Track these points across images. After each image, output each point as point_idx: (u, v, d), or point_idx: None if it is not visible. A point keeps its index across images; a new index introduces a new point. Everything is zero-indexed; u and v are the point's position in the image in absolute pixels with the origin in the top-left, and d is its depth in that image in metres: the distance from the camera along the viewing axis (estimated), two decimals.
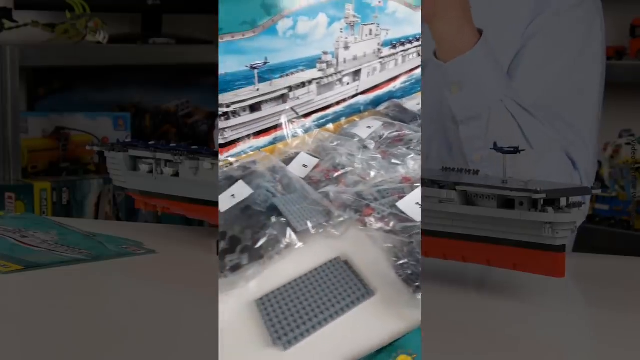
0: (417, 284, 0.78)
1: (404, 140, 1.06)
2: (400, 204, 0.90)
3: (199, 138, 2.96)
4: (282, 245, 0.82)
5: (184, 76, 2.96)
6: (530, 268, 1.09)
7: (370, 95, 1.19)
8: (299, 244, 0.81)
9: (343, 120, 1.15)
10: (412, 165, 1.01)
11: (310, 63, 1.06)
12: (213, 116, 2.93)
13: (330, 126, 1.14)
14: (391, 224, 0.86)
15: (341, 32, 1.08)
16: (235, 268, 0.79)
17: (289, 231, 0.83)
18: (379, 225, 0.86)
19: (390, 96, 1.23)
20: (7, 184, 2.41)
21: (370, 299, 0.76)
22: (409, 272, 0.79)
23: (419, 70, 1.26)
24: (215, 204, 1.25)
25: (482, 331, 1.02)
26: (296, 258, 0.80)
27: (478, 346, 0.98)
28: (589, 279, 1.22)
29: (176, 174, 1.35)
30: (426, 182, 1.13)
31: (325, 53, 1.07)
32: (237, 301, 0.76)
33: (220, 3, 0.88)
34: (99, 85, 2.95)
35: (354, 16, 1.08)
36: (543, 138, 1.41)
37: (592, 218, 2.46)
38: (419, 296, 0.78)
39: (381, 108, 1.19)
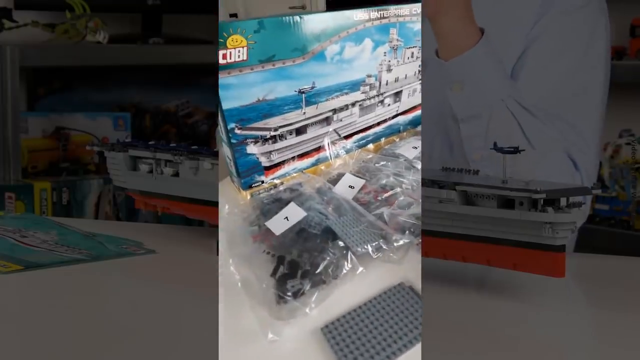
0: None
1: None
2: None
3: (199, 138, 2.96)
4: (344, 270, 0.79)
5: (184, 76, 2.96)
6: (530, 268, 1.09)
7: (410, 116, 1.22)
8: (361, 269, 0.79)
9: (383, 140, 1.17)
10: None
11: (354, 86, 1.06)
12: (213, 116, 2.93)
13: (371, 146, 1.15)
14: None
15: (385, 55, 1.09)
16: (298, 294, 0.75)
17: (349, 255, 0.80)
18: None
19: None
20: (7, 184, 2.41)
21: None
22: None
23: None
24: (215, 204, 1.25)
25: (482, 331, 1.02)
26: (359, 283, 0.77)
27: (478, 346, 0.98)
28: (589, 279, 1.22)
29: (176, 174, 1.35)
30: (426, 182, 1.13)
31: (369, 76, 1.08)
32: (301, 329, 0.71)
33: (268, 26, 0.87)
34: (99, 85, 2.95)
35: (398, 40, 1.09)
36: (544, 138, 1.41)
37: (592, 218, 2.46)
38: None
39: (420, 127, 1.22)
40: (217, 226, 1.22)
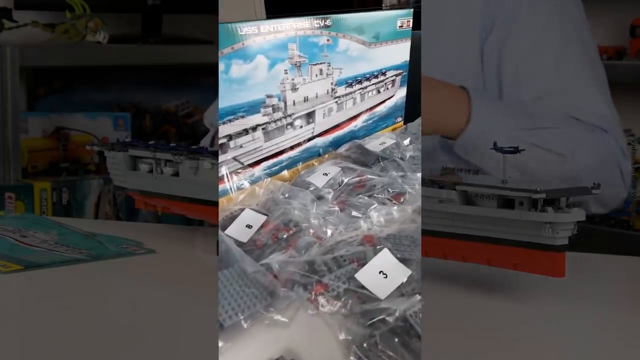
0: None
1: (366, 186, 0.94)
2: (360, 275, 0.71)
3: (199, 138, 2.95)
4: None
5: (184, 76, 2.96)
6: (530, 268, 1.09)
7: (330, 137, 1.12)
8: (224, 344, 0.61)
9: (300, 165, 1.07)
10: (376, 217, 0.86)
11: (252, 108, 0.97)
12: None
13: (285, 173, 1.05)
14: (348, 304, 0.67)
15: (286, 73, 0.98)
16: None
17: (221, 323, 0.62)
18: (334, 307, 0.65)
19: (352, 136, 1.17)
20: (7, 184, 2.41)
21: None
22: None
23: (380, 108, 1.20)
24: (215, 203, 1.25)
25: (481, 331, 1.02)
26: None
27: (478, 346, 0.98)
28: (589, 279, 1.22)
29: (176, 174, 1.35)
30: (426, 182, 1.13)
31: (269, 96, 0.98)
32: None
33: None
34: (99, 85, 2.95)
35: (300, 56, 0.99)
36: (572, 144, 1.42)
37: (592, 218, 2.46)
38: None
39: (342, 150, 1.12)
40: (217, 226, 1.22)
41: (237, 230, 0.86)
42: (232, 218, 0.89)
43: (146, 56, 2.70)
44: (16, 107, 2.43)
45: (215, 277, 1.08)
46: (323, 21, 0.97)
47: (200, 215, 1.36)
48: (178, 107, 3.02)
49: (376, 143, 1.14)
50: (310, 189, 0.95)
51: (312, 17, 0.95)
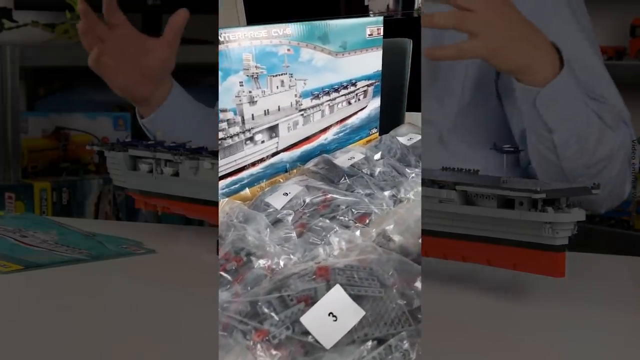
0: None
1: (330, 206, 0.88)
2: (305, 319, 0.62)
3: None
4: None
5: (184, 76, 2.96)
6: (530, 268, 1.09)
7: (297, 151, 1.06)
8: None
9: (264, 182, 1.02)
10: (336, 243, 0.75)
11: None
12: None
13: (247, 192, 1.00)
14: (289, 355, 0.59)
15: (241, 85, 0.93)
16: None
17: None
18: (272, 358, 0.58)
19: (322, 150, 1.12)
20: (7, 184, 2.41)
21: None
22: None
23: (352, 119, 1.15)
24: (215, 203, 1.25)
25: (481, 331, 1.02)
26: None
27: (478, 346, 0.98)
28: (589, 279, 1.22)
29: (176, 174, 1.35)
30: (426, 182, 1.13)
31: (223, 111, 0.93)
32: None
33: None
34: (99, 85, 2.93)
35: (256, 67, 0.93)
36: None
37: (592, 218, 2.46)
38: None
39: (310, 165, 1.06)
40: (217, 226, 1.22)
41: None
42: None
43: None
44: (16, 107, 2.43)
45: (215, 277, 1.09)
46: (282, 30, 0.91)
47: (200, 215, 1.36)
48: None
49: (345, 158, 1.09)
50: (269, 210, 0.89)
51: (269, 25, 0.90)
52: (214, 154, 1.30)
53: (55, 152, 2.71)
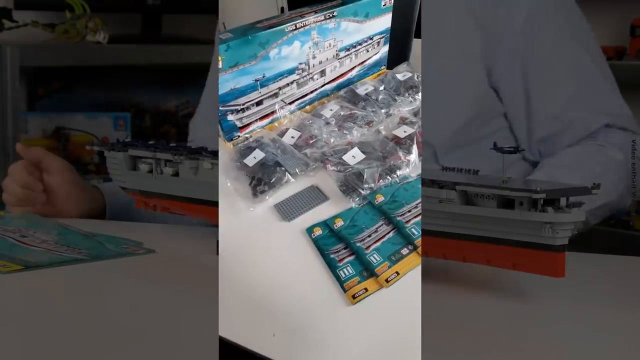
0: (348, 196, 1.33)
1: (353, 117, 1.56)
2: (345, 157, 1.40)
3: None
4: (284, 181, 1.38)
5: (184, 76, 2.96)
6: (530, 268, 1.09)
7: (334, 84, 1.67)
8: (292, 180, 1.38)
9: (316, 103, 1.65)
10: (356, 134, 1.50)
11: (291, 71, 1.54)
12: None
13: (308, 108, 1.63)
14: (338, 167, 1.38)
15: (309, 49, 1.55)
16: (262, 192, 1.35)
17: (287, 174, 1.38)
18: (332, 168, 1.38)
19: (349, 82, 1.70)
20: None
21: (327, 201, 1.34)
22: (344, 188, 1.34)
23: (369, 61, 1.72)
24: (215, 203, 1.25)
25: (482, 331, 1.02)
26: (292, 186, 1.37)
27: (478, 346, 0.98)
28: (589, 279, 1.22)
29: (176, 174, 1.35)
30: (426, 182, 1.13)
31: (300, 64, 1.55)
32: (264, 205, 1.34)
33: (233, 46, 1.40)
34: (99, 85, 2.95)
35: (317, 37, 1.54)
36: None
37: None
38: (350, 199, 1.32)
39: (341, 92, 1.68)
40: (217, 226, 1.22)
41: (287, 139, 1.49)
42: (283, 133, 1.52)
43: (146, 56, 2.70)
44: (16, 107, 2.43)
45: (215, 277, 1.09)
46: (331, 14, 1.55)
47: (200, 215, 1.36)
48: (178, 107, 3.02)
49: (362, 88, 1.68)
50: (323, 118, 1.56)
51: (324, 11, 1.54)
52: (214, 154, 1.30)
53: (55, 152, 2.70)
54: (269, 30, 1.46)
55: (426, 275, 1.10)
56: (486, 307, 1.10)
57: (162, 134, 2.97)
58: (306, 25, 1.52)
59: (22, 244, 1.35)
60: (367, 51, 1.71)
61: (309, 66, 1.57)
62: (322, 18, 1.54)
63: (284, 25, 1.48)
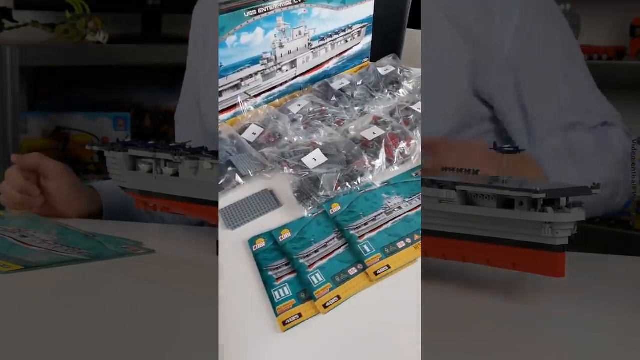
0: (302, 203, 1.23)
1: (323, 114, 1.45)
2: (304, 159, 1.29)
3: None
4: (233, 183, 1.29)
5: (184, 76, 2.96)
6: (530, 268, 1.08)
7: (308, 76, 1.56)
8: (242, 182, 1.29)
9: (287, 96, 1.54)
10: (322, 133, 1.38)
11: (255, 61, 1.44)
12: None
13: (277, 102, 1.52)
14: (295, 170, 1.27)
15: (275, 37, 1.44)
16: None
17: (237, 176, 1.29)
18: (289, 171, 1.27)
19: (325, 75, 1.59)
20: None
21: (279, 208, 1.24)
22: (298, 195, 1.24)
23: (348, 53, 1.63)
24: (215, 203, 1.25)
25: (481, 331, 1.02)
26: (242, 189, 1.29)
27: (478, 346, 0.98)
28: (589, 279, 1.22)
29: (176, 174, 1.35)
30: (426, 182, 1.13)
31: (264, 53, 1.45)
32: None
33: None
34: (99, 85, 2.94)
35: (284, 24, 1.43)
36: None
37: (592, 218, 2.46)
38: (303, 207, 1.22)
39: (315, 86, 1.56)
40: (217, 226, 1.22)
41: (247, 135, 1.39)
42: (244, 128, 1.42)
43: (146, 56, 2.70)
44: (16, 107, 2.43)
45: (215, 277, 1.08)
46: None
47: (200, 215, 1.36)
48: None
49: (338, 82, 1.57)
50: (289, 114, 1.46)
51: None
52: (214, 154, 1.30)
53: (55, 152, 2.71)
54: (224, 15, 1.33)
55: (427, 275, 1.10)
56: (486, 307, 1.09)
57: (162, 134, 2.97)
58: (270, 11, 1.38)
59: (21, 244, 1.35)
60: (346, 41, 1.58)
61: (275, 56, 1.44)
62: (289, 3, 1.40)
63: (243, 10, 1.34)
